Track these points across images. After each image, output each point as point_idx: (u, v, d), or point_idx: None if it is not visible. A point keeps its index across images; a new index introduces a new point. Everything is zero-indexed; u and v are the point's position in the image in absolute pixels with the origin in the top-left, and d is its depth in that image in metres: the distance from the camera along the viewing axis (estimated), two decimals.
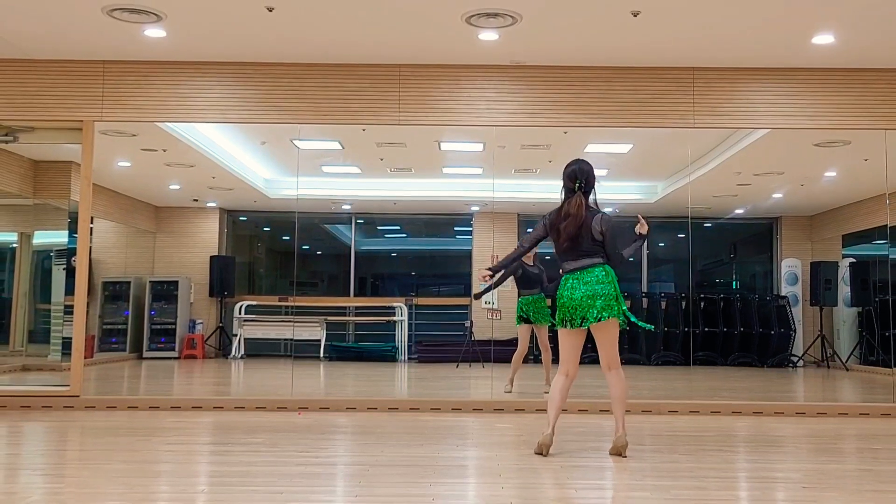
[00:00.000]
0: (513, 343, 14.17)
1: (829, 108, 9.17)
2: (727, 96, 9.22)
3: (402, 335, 15.60)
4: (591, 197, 6.46)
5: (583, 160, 6.53)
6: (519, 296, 10.44)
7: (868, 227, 13.39)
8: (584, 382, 11.96)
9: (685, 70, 9.20)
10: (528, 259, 10.17)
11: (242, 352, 15.19)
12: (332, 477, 5.60)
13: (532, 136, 10.05)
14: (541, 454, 6.18)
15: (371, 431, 7.45)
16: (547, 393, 9.74)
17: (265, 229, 17.97)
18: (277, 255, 18.35)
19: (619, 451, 6.21)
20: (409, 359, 15.41)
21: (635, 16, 7.80)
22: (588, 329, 6.39)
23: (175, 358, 15.29)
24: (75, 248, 9.25)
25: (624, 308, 6.46)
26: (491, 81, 9.24)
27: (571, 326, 6.33)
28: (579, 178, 6.38)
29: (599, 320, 6.28)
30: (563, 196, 6.47)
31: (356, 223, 16.87)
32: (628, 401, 9.02)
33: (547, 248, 6.83)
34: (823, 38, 8.32)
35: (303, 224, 15.26)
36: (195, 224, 16.17)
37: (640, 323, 6.73)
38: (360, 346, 15.90)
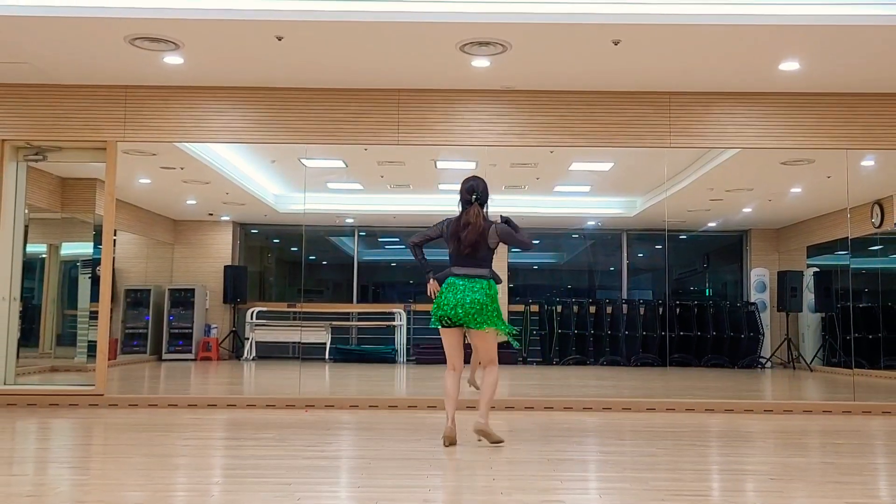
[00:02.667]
0: (503, 346, 14.20)
1: (794, 129, 9.20)
2: (701, 118, 9.24)
3: (401, 338, 15.59)
4: (485, 209, 6.58)
5: (479, 177, 6.68)
6: None
7: (830, 239, 13.41)
8: (568, 382, 11.98)
9: (662, 94, 9.22)
10: None
11: (254, 354, 15.18)
12: (336, 469, 5.59)
13: (521, 155, 10.07)
14: (453, 445, 6.34)
15: (372, 427, 7.44)
16: (472, 388, 9.78)
17: (275, 241, 17.96)
18: (286, 265, 18.35)
19: (478, 432, 6.34)
20: (407, 360, 15.40)
21: (616, 44, 7.83)
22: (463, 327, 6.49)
23: (192, 360, 15.28)
24: (100, 259, 9.24)
25: (503, 321, 6.54)
26: (483, 105, 9.25)
27: (451, 325, 6.43)
28: (476, 191, 6.53)
29: (479, 327, 6.37)
30: (460, 208, 6.57)
31: (359, 235, 16.87)
32: (609, 399, 9.07)
33: None
34: (789, 65, 8.35)
35: (309, 236, 15.24)
36: (210, 236, 16.18)
37: (513, 343, 6.77)
38: (362, 349, 15.89)
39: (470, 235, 6.41)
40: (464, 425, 6.60)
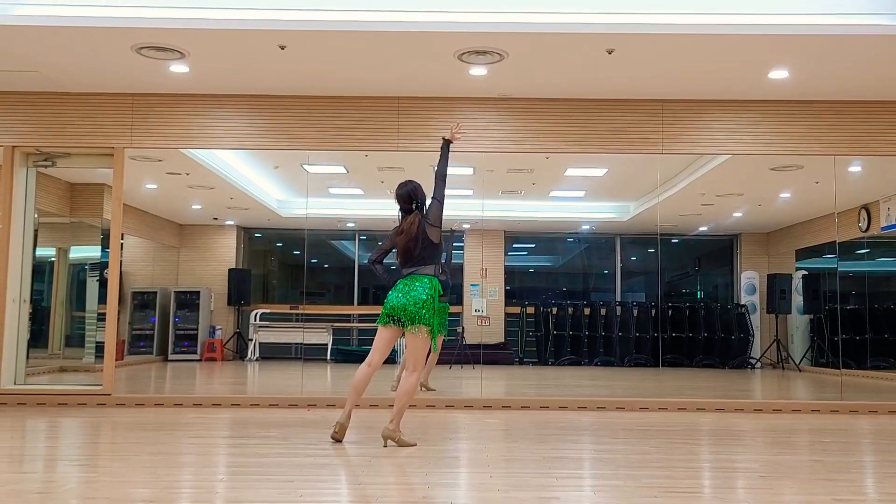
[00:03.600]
0: (500, 347, 14.14)
1: (783, 136, 9.21)
2: (692, 125, 9.25)
3: (400, 339, 15.54)
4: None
5: (413, 181, 6.66)
6: None
7: (818, 243, 13.43)
8: (563, 382, 11.98)
9: (654, 102, 9.23)
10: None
11: (257, 355, 15.16)
12: (337, 467, 5.60)
13: (517, 161, 10.07)
14: (340, 441, 6.38)
15: (373, 426, 7.43)
16: (427, 389, 9.77)
17: (278, 245, 17.95)
18: (289, 268, 18.33)
19: (386, 437, 6.24)
20: None
21: (610, 53, 7.84)
22: (402, 329, 6.47)
23: (197, 360, 15.26)
24: (107, 262, 9.25)
25: (435, 321, 6.50)
26: (480, 112, 9.26)
27: (392, 324, 6.44)
28: (415, 198, 6.55)
29: (412, 323, 6.36)
30: (399, 216, 6.59)
31: (359, 239, 16.86)
32: (603, 399, 9.07)
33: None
34: (778, 74, 8.37)
35: (311, 240, 15.23)
36: (215, 240, 16.17)
37: (434, 344, 6.70)
38: (363, 350, 15.81)
39: (402, 241, 6.45)
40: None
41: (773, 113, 9.21)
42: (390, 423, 6.26)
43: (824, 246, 12.79)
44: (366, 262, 16.70)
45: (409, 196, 6.53)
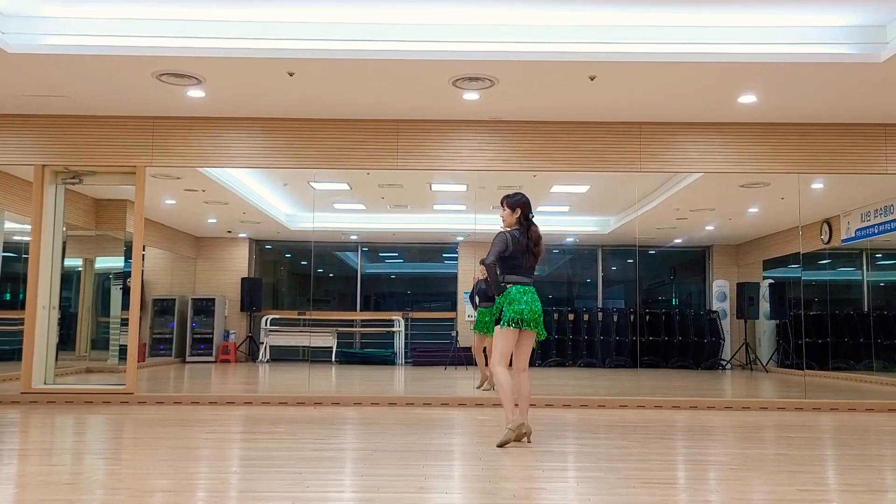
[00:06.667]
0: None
1: (752, 155, 9.23)
2: (668, 146, 9.27)
3: (399, 343, 15.60)
4: None
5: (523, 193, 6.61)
6: (479, 307, 10.36)
7: (784, 254, 13.47)
8: (549, 381, 11.97)
9: (633, 124, 9.25)
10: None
11: (268, 357, 15.16)
12: (341, 460, 5.59)
13: (507, 178, 10.06)
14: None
15: (374, 422, 7.44)
16: (487, 390, 9.76)
17: (286, 255, 17.95)
18: (297, 277, 18.33)
19: (522, 437, 6.18)
20: (405, 362, 15.40)
21: (592, 80, 7.87)
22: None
23: (212, 362, 15.25)
24: (130, 271, 9.24)
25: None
26: (473, 133, 9.28)
27: (530, 328, 6.25)
28: (530, 210, 6.55)
29: (537, 328, 6.32)
30: (518, 224, 6.48)
31: (362, 250, 16.87)
32: (586, 397, 9.07)
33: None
34: (747, 98, 8.39)
35: (318, 251, 15.24)
36: (229, 251, 16.18)
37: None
38: (365, 352, 15.87)
39: (539, 251, 6.45)
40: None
41: (742, 134, 9.24)
42: (525, 419, 6.20)
43: (789, 257, 12.83)
44: (367, 271, 16.71)
45: (529, 206, 6.55)
